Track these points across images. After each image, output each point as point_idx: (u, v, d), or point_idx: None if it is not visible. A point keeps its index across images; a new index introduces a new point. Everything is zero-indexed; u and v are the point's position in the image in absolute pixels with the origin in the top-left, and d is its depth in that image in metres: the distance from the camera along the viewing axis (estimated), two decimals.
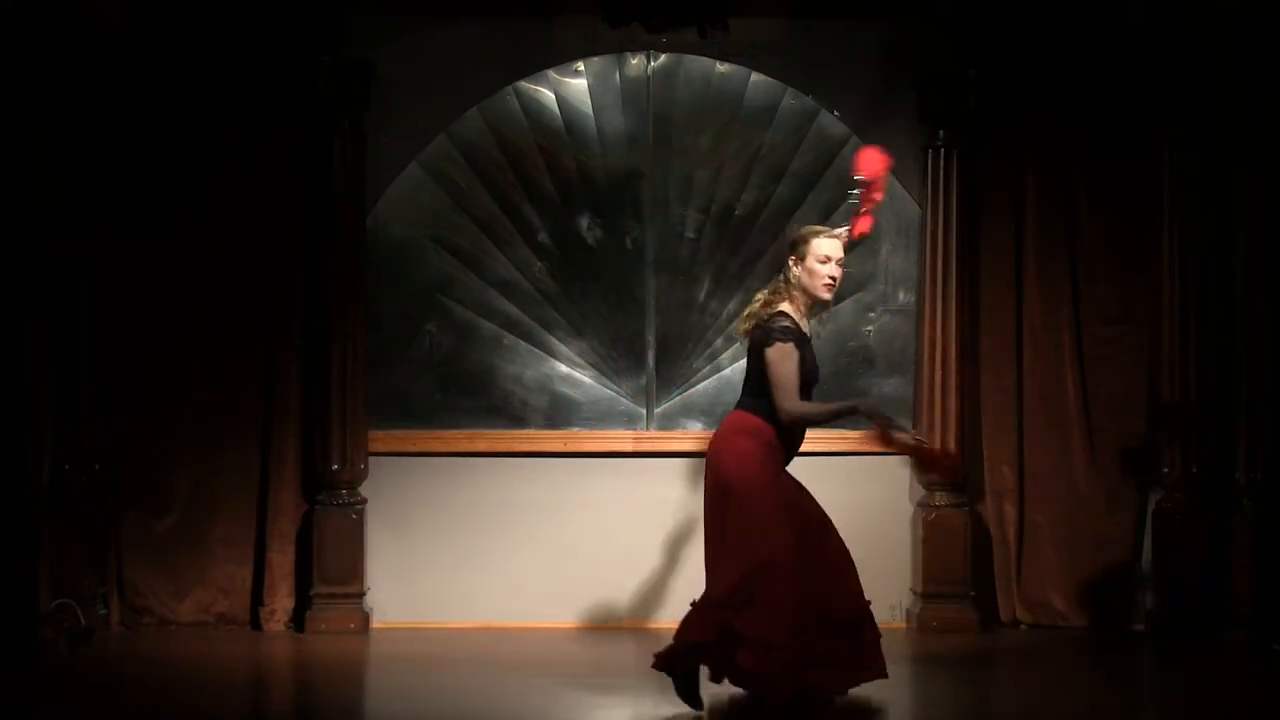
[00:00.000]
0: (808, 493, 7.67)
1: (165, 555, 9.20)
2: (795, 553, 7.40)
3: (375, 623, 9.27)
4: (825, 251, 7.51)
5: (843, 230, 7.67)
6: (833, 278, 7.52)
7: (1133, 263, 9.37)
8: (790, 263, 7.58)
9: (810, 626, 7.43)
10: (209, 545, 9.22)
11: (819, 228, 7.72)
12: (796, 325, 7.50)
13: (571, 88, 9.45)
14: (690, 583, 9.35)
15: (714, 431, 7.78)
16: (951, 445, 9.23)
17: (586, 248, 9.46)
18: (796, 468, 9.39)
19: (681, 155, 9.45)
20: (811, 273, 7.51)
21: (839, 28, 9.40)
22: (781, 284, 7.59)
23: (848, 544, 9.38)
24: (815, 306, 7.62)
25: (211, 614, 9.23)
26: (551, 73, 9.44)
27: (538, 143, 9.43)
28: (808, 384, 7.54)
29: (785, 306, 7.54)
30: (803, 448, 9.30)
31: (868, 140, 9.39)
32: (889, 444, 7.69)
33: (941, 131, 9.28)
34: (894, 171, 9.39)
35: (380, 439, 9.33)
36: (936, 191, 9.29)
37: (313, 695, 8.20)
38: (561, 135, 9.44)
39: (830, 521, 7.66)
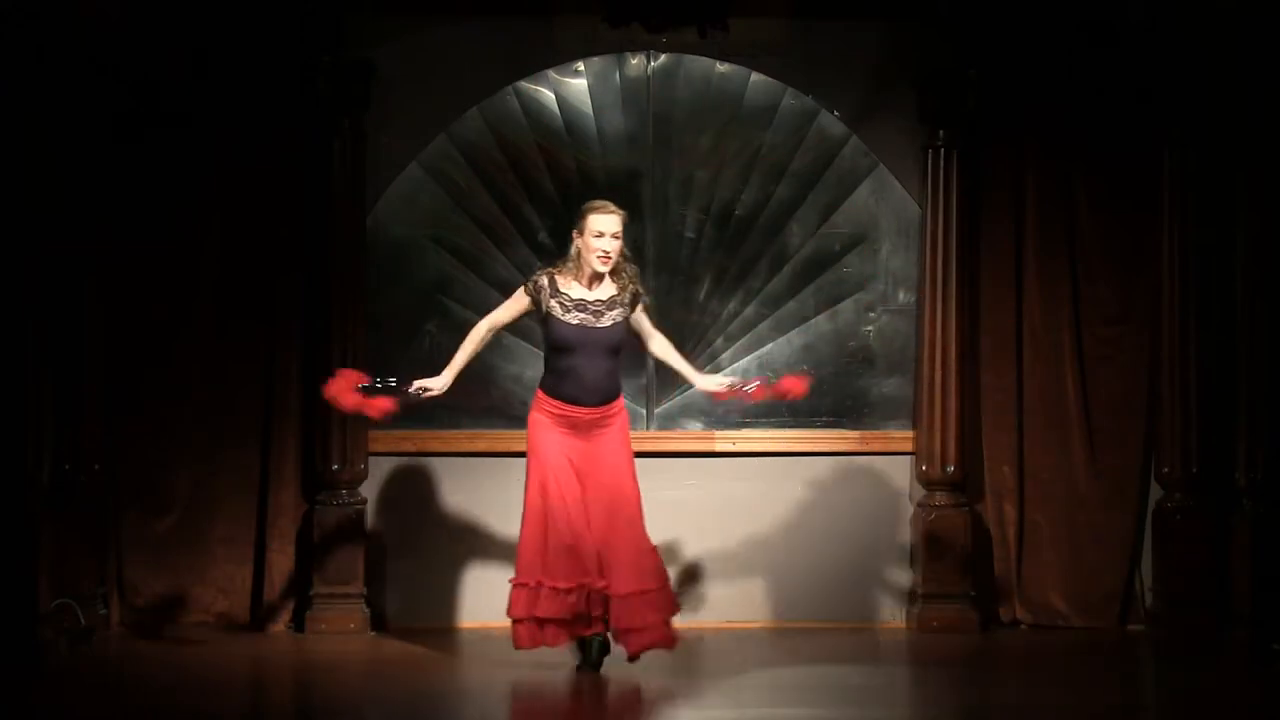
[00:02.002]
0: (586, 455, 8.00)
1: (165, 555, 9.19)
2: (538, 513, 7.96)
3: (376, 623, 9.26)
4: (599, 227, 8.00)
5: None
6: (606, 251, 7.99)
7: (1133, 263, 9.37)
8: (573, 235, 8.10)
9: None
10: (209, 545, 9.21)
11: (600, 202, 8.14)
12: (546, 285, 8.02)
13: (571, 88, 9.45)
14: (689, 581, 9.35)
15: None
16: (952, 442, 9.25)
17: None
18: (798, 467, 9.41)
19: (681, 155, 9.45)
20: (587, 246, 8.02)
21: (839, 28, 9.40)
22: (570, 255, 8.10)
23: (847, 544, 9.43)
24: (626, 277, 8.10)
25: (211, 614, 9.23)
26: (551, 73, 9.44)
27: (538, 143, 9.43)
28: (560, 346, 8.01)
29: (559, 274, 8.06)
30: (803, 448, 9.38)
31: (864, 135, 9.44)
32: None
33: (941, 131, 9.28)
34: (894, 171, 9.47)
35: (380, 439, 9.32)
36: (936, 191, 9.29)
37: (313, 695, 8.20)
38: (561, 135, 9.44)
39: (600, 489, 7.99)
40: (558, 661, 8.21)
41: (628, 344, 8.19)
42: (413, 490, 9.37)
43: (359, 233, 9.27)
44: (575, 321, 8.00)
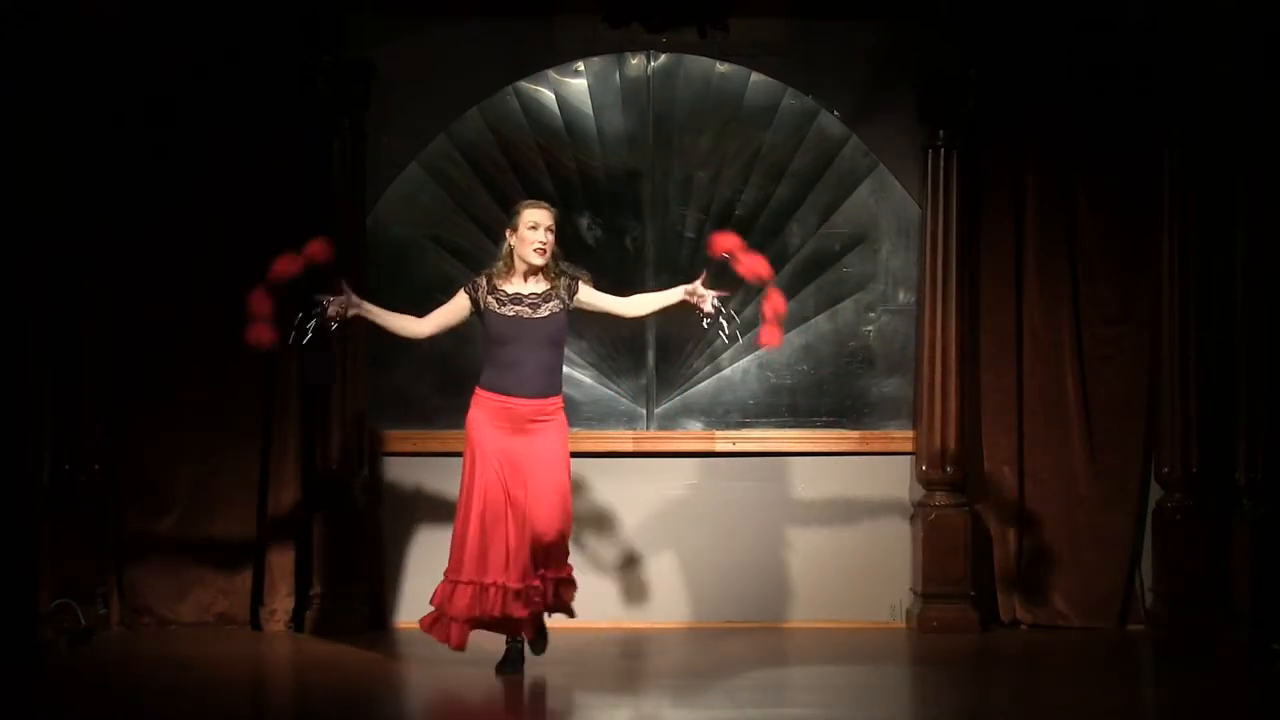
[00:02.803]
0: (514, 451, 8.00)
1: (165, 555, 9.20)
2: (469, 511, 8.02)
3: (375, 623, 9.26)
4: (534, 219, 8.09)
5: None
6: (541, 242, 8.09)
7: (1133, 263, 9.37)
8: (506, 234, 8.16)
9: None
10: (209, 545, 9.21)
11: (532, 200, 8.29)
12: (484, 283, 8.13)
13: (571, 88, 9.45)
14: (690, 581, 9.36)
15: None
16: (952, 442, 9.25)
17: (586, 248, 9.46)
18: (798, 467, 9.41)
19: (681, 155, 9.45)
20: (522, 239, 8.09)
21: (839, 28, 9.41)
22: (503, 254, 8.17)
23: (847, 544, 9.43)
24: (555, 273, 8.13)
25: (211, 614, 9.23)
26: (551, 73, 9.44)
27: (538, 143, 9.43)
28: (497, 339, 8.07)
29: (495, 275, 8.14)
30: (803, 447, 9.38)
31: (864, 135, 9.44)
32: None
33: (941, 131, 9.28)
34: (894, 171, 9.47)
35: (380, 439, 9.33)
36: (936, 191, 9.29)
37: (313, 695, 8.19)
38: (561, 135, 9.44)
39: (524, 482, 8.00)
40: (558, 661, 8.21)
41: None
42: (413, 490, 9.37)
43: (359, 233, 9.27)
44: (511, 314, 8.06)
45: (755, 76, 9.45)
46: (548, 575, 8.00)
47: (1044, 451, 9.37)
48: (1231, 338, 9.06)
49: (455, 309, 8.18)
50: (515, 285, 8.12)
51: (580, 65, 9.45)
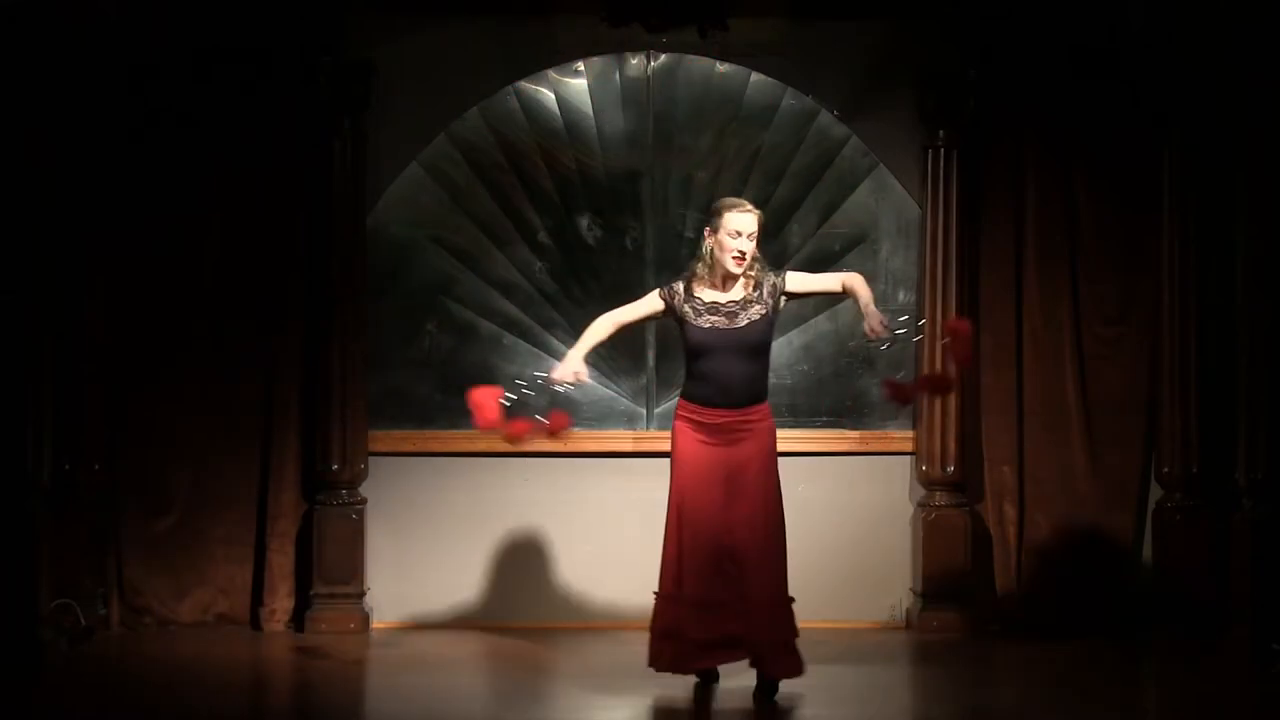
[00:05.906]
0: (730, 466, 7.74)
1: (165, 555, 9.20)
2: (675, 525, 7.72)
3: (375, 623, 9.27)
4: (736, 226, 7.67)
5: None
6: (741, 251, 7.66)
7: (1133, 263, 9.37)
8: (706, 233, 7.79)
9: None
10: (209, 545, 9.22)
11: (736, 201, 7.85)
12: (681, 290, 7.77)
13: (571, 88, 9.46)
14: None
15: None
16: (952, 442, 9.26)
17: (586, 248, 9.46)
18: (797, 467, 9.41)
19: (681, 155, 9.45)
20: (721, 245, 7.70)
21: (839, 28, 9.40)
22: (702, 254, 7.79)
23: (848, 544, 9.42)
24: (756, 278, 7.77)
25: (211, 614, 9.24)
26: (551, 73, 9.45)
27: (538, 143, 9.43)
28: (695, 351, 7.76)
29: (693, 279, 7.78)
30: (802, 447, 9.37)
31: (864, 135, 9.45)
32: None
33: (941, 131, 9.28)
34: (894, 171, 9.47)
35: (380, 439, 9.33)
36: (936, 191, 9.29)
37: (313, 695, 8.20)
38: (561, 135, 9.44)
39: (745, 503, 7.75)
40: (558, 660, 8.20)
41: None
42: (413, 490, 9.38)
43: (359, 233, 9.28)
44: (707, 325, 7.73)
45: (755, 76, 9.46)
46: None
47: (1044, 451, 9.36)
48: (1231, 338, 9.06)
49: (642, 308, 7.89)
50: (713, 292, 7.78)
51: (580, 65, 9.45)
